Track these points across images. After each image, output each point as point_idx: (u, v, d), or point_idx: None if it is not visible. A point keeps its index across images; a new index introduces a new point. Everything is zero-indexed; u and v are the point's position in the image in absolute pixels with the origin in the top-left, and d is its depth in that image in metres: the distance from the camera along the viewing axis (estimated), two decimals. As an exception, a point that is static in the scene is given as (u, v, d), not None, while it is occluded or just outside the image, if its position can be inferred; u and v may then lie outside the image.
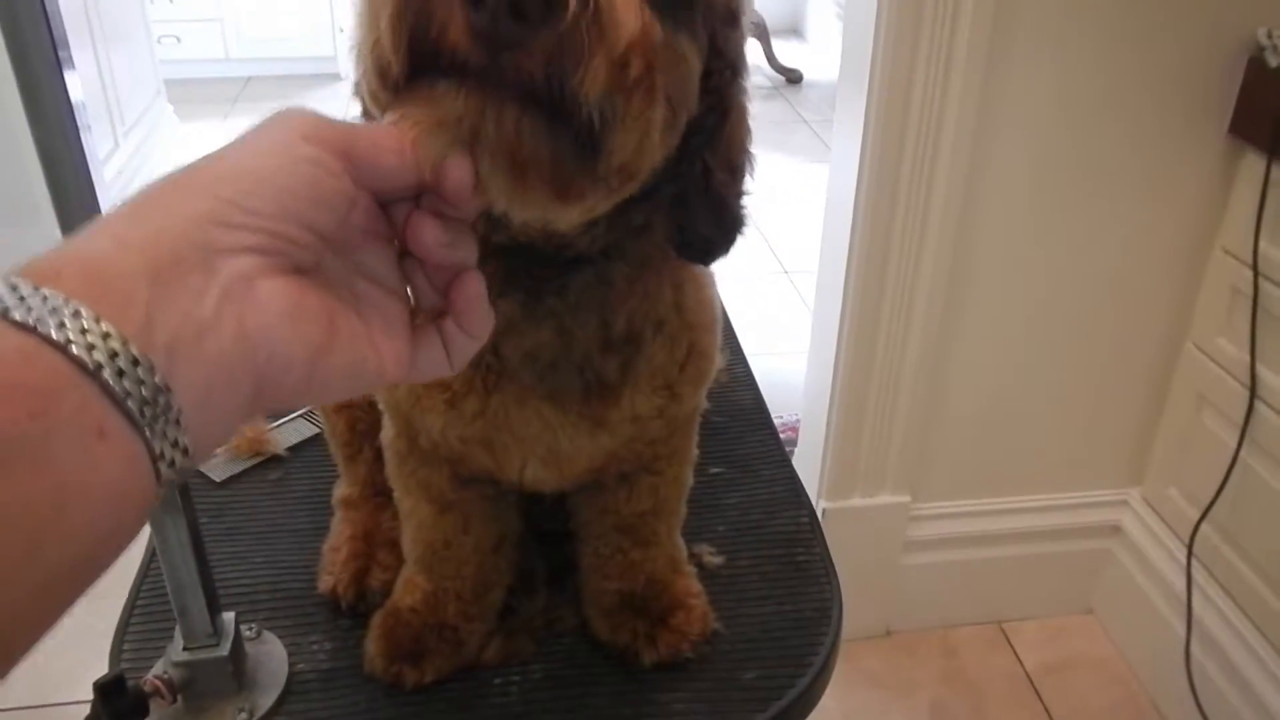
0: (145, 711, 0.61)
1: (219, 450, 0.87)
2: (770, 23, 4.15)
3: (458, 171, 0.37)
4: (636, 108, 0.39)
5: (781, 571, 0.77)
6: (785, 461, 0.87)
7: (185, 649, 0.64)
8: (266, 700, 0.66)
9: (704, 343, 0.65)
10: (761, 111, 4.07)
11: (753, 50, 4.38)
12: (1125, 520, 1.63)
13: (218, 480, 0.85)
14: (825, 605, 0.73)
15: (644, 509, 0.69)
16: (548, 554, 0.75)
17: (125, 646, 0.68)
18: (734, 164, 0.53)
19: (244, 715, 0.65)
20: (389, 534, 0.74)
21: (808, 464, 1.64)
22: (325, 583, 0.73)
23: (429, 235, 0.39)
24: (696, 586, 0.73)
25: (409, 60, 0.38)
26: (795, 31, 4.61)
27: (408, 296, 0.40)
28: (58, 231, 0.66)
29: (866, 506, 1.60)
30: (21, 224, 2.36)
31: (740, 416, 0.92)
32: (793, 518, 0.81)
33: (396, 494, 0.68)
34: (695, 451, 0.72)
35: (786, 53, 4.17)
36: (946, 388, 1.53)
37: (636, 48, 0.38)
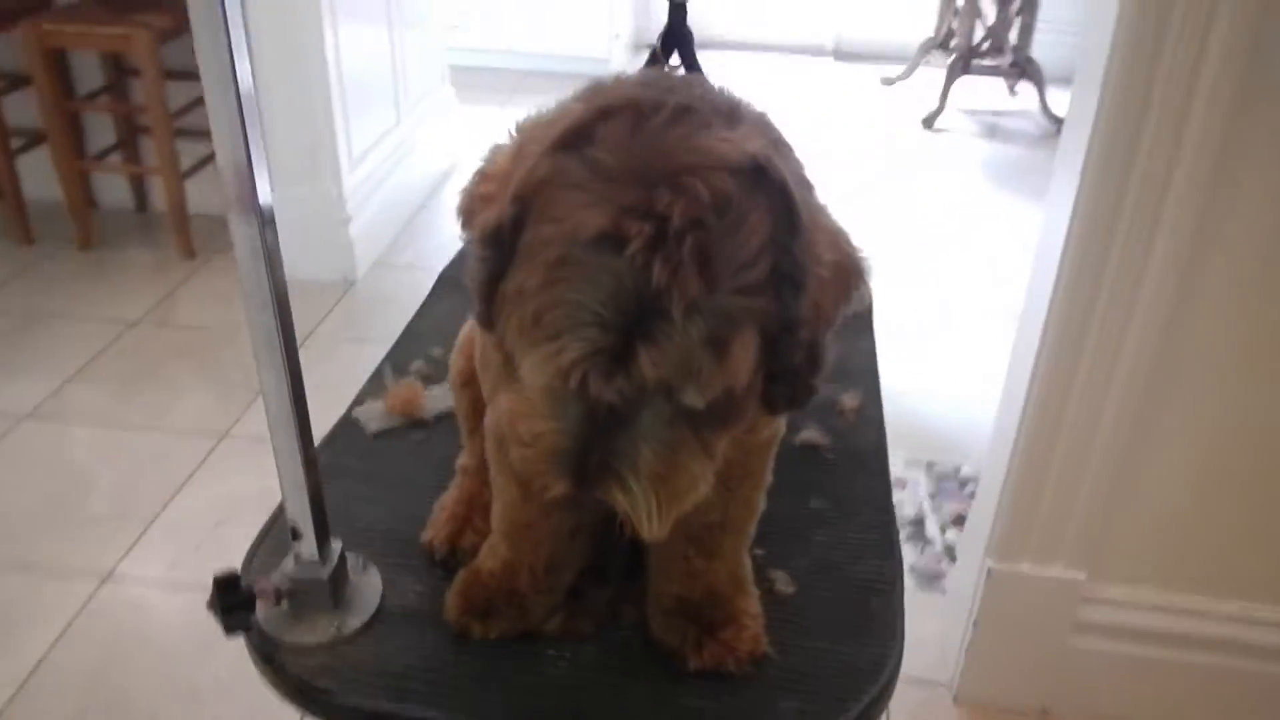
0: (252, 607, 0.72)
1: (377, 405, 0.98)
2: (1049, 70, 3.95)
3: None
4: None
5: (850, 616, 0.77)
6: (887, 510, 0.86)
7: (295, 566, 0.74)
8: (356, 621, 0.75)
9: None
10: (1024, 158, 3.87)
11: (1028, 96, 4.19)
12: (1334, 654, 1.44)
13: (369, 432, 0.95)
14: (881, 659, 0.73)
15: (710, 521, 0.71)
16: (626, 551, 0.80)
17: (257, 555, 0.79)
18: (822, 309, 0.60)
19: (334, 630, 0.74)
20: (488, 502, 0.81)
21: (982, 517, 1.57)
22: (426, 536, 0.82)
23: None
24: (755, 608, 0.75)
25: None
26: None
27: None
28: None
29: (1036, 576, 1.51)
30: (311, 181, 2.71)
31: (856, 458, 0.92)
32: (877, 567, 0.81)
33: (491, 471, 0.75)
34: (769, 477, 0.74)
35: (1065, 101, 3.96)
36: (1143, 465, 1.41)
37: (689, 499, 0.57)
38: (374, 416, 0.96)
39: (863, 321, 1.12)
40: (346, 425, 0.96)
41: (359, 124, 2.79)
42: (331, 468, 0.90)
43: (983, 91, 4.37)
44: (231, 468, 2.08)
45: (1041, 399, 1.40)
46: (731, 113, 0.61)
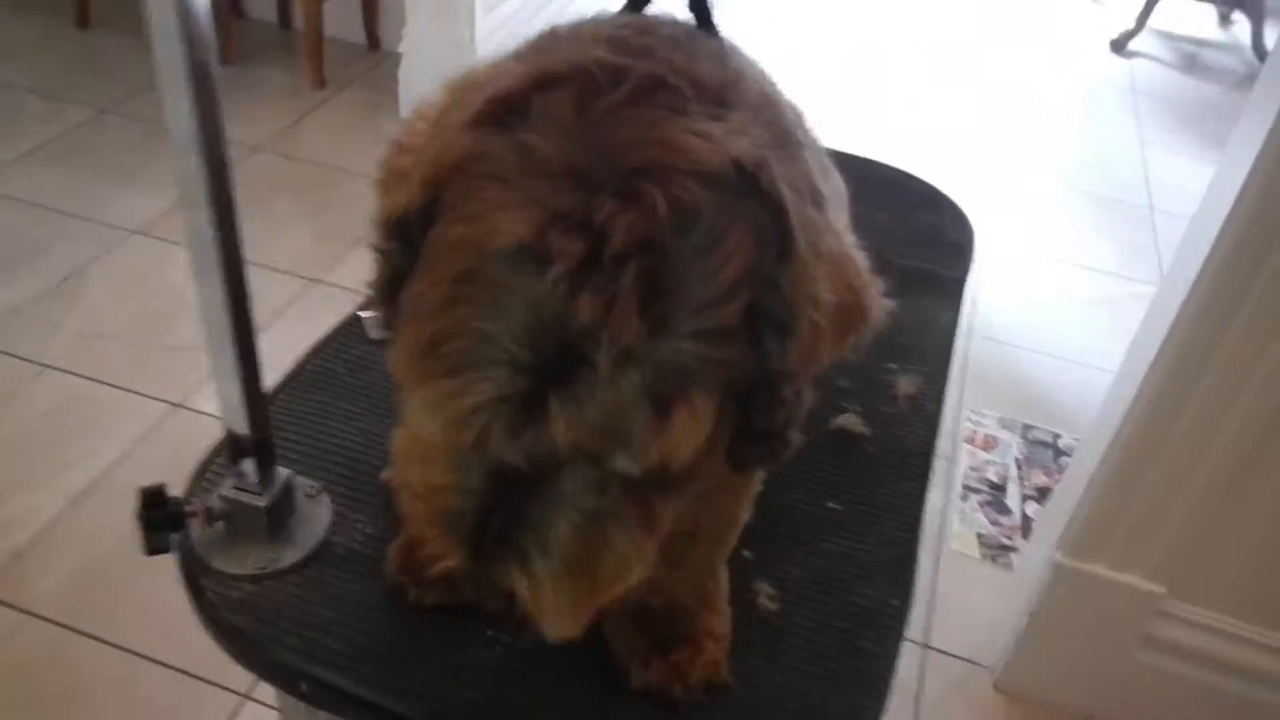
0: (178, 527, 0.67)
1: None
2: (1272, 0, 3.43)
3: None
4: None
5: (835, 651, 0.66)
6: (913, 526, 0.74)
7: (234, 488, 0.68)
8: (290, 557, 0.69)
9: None
10: (1220, 102, 3.42)
11: (1241, 28, 3.66)
12: None
13: (372, 336, 0.88)
14: (855, 713, 0.62)
15: (679, 528, 0.61)
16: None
17: (209, 471, 0.74)
18: (814, 361, 0.49)
19: (263, 563, 0.68)
20: (457, 448, 0.72)
21: (1061, 504, 1.42)
22: (387, 473, 0.74)
23: None
24: (723, 628, 0.65)
25: None
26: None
27: None
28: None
29: (1109, 581, 1.37)
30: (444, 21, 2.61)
31: (897, 457, 0.79)
32: (883, 595, 0.69)
33: None
34: (758, 485, 0.63)
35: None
36: (1262, 482, 1.23)
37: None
38: (380, 322, 0.88)
39: (950, 289, 0.96)
40: (347, 328, 0.88)
41: (503, -43, 2.65)
42: (318, 375, 0.84)
43: (1189, 16, 3.86)
44: (317, 315, 2.08)
45: (1162, 385, 1.22)
46: (722, 92, 0.47)
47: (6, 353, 1.90)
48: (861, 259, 0.51)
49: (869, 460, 0.79)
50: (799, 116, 0.61)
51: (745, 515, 0.64)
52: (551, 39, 0.53)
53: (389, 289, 0.48)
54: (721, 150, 0.43)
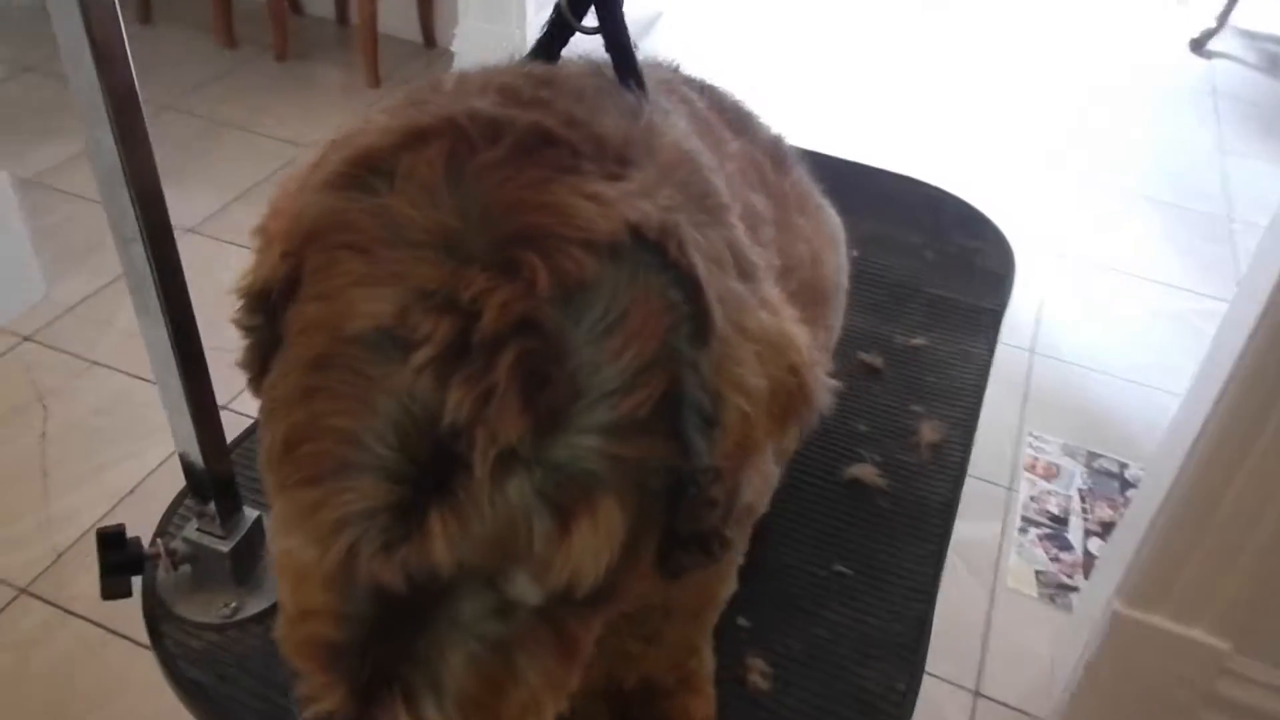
0: (138, 570, 0.64)
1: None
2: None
3: None
4: None
5: (830, 736, 0.60)
6: (927, 596, 0.67)
7: (198, 530, 0.65)
8: (256, 605, 0.66)
9: None
10: (1261, 91, 3.21)
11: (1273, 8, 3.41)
12: None
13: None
14: (847, 811, 0.57)
15: (649, 602, 0.56)
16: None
17: (180, 510, 0.71)
18: (748, 452, 0.42)
19: (227, 611, 0.65)
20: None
21: (1121, 547, 1.33)
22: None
23: None
24: (705, 711, 0.59)
25: None
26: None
27: None
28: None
29: (1170, 634, 1.27)
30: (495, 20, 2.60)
31: (915, 513, 0.72)
32: (888, 678, 0.63)
33: None
34: (740, 559, 0.57)
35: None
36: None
37: None
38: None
39: (986, 322, 0.88)
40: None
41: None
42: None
43: (1274, 13, 3.63)
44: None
45: (1231, 414, 1.11)
46: (625, 149, 0.41)
47: (57, 348, 1.92)
48: (804, 336, 0.44)
49: (884, 517, 0.72)
50: (776, 143, 0.54)
51: (729, 589, 0.58)
52: (431, 90, 0.47)
53: (258, 370, 0.43)
54: (615, 214, 0.37)
